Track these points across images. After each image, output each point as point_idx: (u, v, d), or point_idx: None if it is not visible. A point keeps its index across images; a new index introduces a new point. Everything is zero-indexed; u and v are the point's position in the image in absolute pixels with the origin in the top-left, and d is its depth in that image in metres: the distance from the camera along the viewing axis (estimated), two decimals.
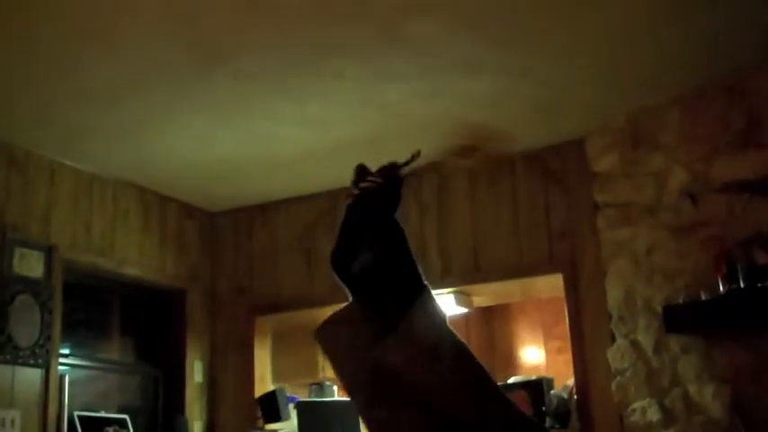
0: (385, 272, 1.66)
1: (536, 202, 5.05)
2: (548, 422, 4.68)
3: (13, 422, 4.34)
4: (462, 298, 5.39)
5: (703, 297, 4.20)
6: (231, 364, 5.73)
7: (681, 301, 4.29)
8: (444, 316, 1.68)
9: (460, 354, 1.62)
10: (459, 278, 5.18)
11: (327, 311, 5.70)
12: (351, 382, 1.69)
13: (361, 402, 1.65)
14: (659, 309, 4.36)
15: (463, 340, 1.65)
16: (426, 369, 1.59)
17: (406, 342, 1.59)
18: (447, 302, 5.35)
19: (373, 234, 1.71)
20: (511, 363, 7.47)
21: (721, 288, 4.15)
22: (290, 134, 4.74)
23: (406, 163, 1.77)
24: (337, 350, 1.74)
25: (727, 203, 4.31)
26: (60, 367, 4.71)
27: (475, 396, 1.60)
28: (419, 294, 1.64)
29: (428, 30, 3.71)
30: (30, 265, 4.60)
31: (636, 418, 4.41)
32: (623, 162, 4.68)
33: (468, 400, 1.60)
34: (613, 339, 4.57)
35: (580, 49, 3.97)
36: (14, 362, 4.40)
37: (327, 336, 1.78)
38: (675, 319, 4.25)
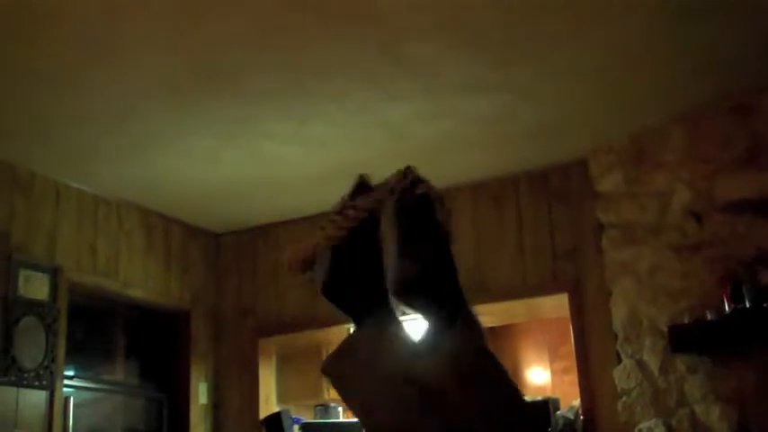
0: (431, 282, 1.58)
1: (540, 221, 5.05)
2: None
3: None
4: None
5: (709, 317, 4.18)
6: (236, 385, 5.72)
7: (686, 320, 4.28)
8: (484, 334, 1.64)
9: (501, 377, 1.57)
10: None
11: (331, 332, 5.72)
12: (371, 403, 1.63)
13: (380, 423, 1.61)
14: (665, 329, 4.34)
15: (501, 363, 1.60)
16: (467, 390, 1.54)
17: (450, 359, 1.53)
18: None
19: (414, 241, 1.60)
20: (516, 383, 7.42)
21: (727, 308, 4.13)
22: (294, 155, 4.75)
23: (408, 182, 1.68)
24: (353, 377, 1.68)
25: (731, 223, 4.31)
26: (65, 389, 4.71)
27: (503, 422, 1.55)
28: (456, 307, 1.59)
29: (431, 50, 3.72)
30: (35, 287, 4.60)
31: None
32: (627, 181, 4.68)
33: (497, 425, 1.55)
34: (619, 359, 4.55)
35: (583, 68, 3.98)
36: (19, 384, 4.39)
37: (337, 366, 1.73)
38: (681, 339, 4.24)
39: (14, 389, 4.38)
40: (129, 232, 5.36)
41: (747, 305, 4.06)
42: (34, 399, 4.48)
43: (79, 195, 5.04)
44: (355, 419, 5.62)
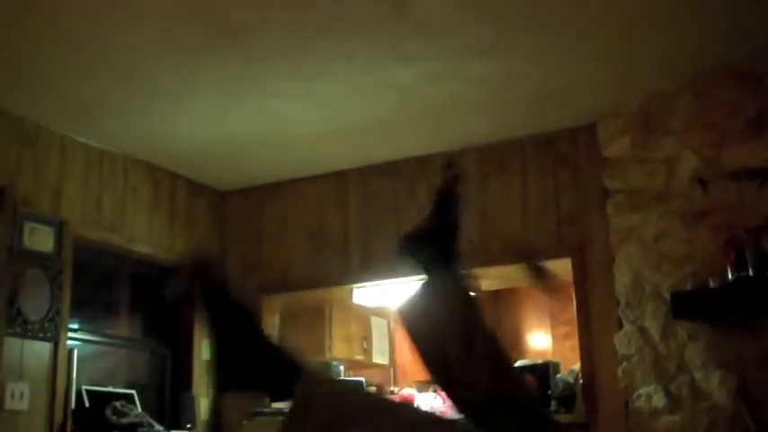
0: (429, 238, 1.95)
1: (545, 186, 5.04)
2: (553, 406, 4.69)
3: (21, 394, 4.37)
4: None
5: (711, 284, 4.19)
6: None
7: (689, 287, 4.29)
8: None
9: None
10: (467, 261, 5.16)
11: (335, 291, 5.76)
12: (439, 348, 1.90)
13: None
14: (667, 295, 4.35)
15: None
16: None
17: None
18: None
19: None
20: (517, 348, 7.46)
21: (730, 275, 4.14)
22: (301, 114, 4.74)
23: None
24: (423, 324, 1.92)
25: (738, 191, 4.30)
26: (69, 342, 4.74)
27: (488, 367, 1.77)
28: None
29: (441, 11, 3.70)
30: (40, 239, 4.62)
31: (641, 403, 4.41)
32: (634, 147, 4.67)
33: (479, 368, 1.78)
34: (621, 325, 4.57)
35: (593, 32, 3.95)
36: (24, 335, 4.42)
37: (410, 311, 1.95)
38: (683, 306, 4.25)
39: (19, 340, 4.41)
40: (134, 188, 5.36)
41: (750, 273, 4.06)
42: (39, 350, 4.51)
43: (85, 150, 5.04)
44: (358, 379, 5.68)
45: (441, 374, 1.88)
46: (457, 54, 4.11)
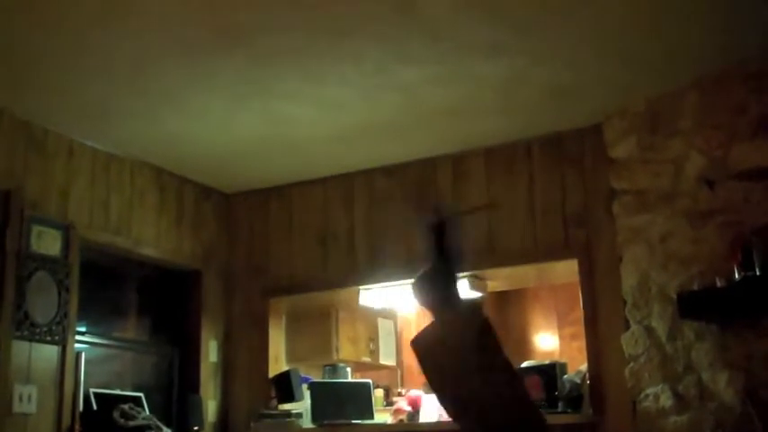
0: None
1: (552, 186, 5.04)
2: (560, 406, 4.68)
3: (29, 397, 4.38)
4: (476, 282, 5.39)
5: (718, 284, 4.17)
6: (246, 344, 5.76)
7: (696, 287, 4.28)
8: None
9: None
10: (474, 262, 5.17)
11: (341, 293, 5.78)
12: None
13: None
14: (674, 295, 4.34)
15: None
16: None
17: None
18: (461, 286, 5.35)
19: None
20: (524, 348, 7.46)
21: (737, 275, 4.13)
22: (308, 116, 4.75)
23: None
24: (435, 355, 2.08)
25: (745, 190, 4.29)
26: (77, 345, 4.75)
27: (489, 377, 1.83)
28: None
29: (447, 12, 3.70)
30: (47, 243, 4.63)
31: (648, 403, 4.41)
32: (641, 148, 4.66)
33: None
34: (627, 325, 4.56)
35: (599, 33, 3.95)
36: (31, 338, 4.43)
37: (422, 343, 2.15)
38: (690, 306, 4.24)
39: (27, 343, 4.42)
40: (141, 191, 5.38)
41: (758, 273, 4.05)
42: (46, 353, 4.52)
43: (92, 153, 5.05)
44: (363, 380, 5.68)
45: (454, 404, 1.96)
46: (463, 55, 4.11)
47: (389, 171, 5.54)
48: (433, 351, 1.92)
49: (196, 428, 5.21)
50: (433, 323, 1.99)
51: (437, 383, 1.93)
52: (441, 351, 1.92)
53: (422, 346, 1.93)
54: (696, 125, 4.49)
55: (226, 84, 4.35)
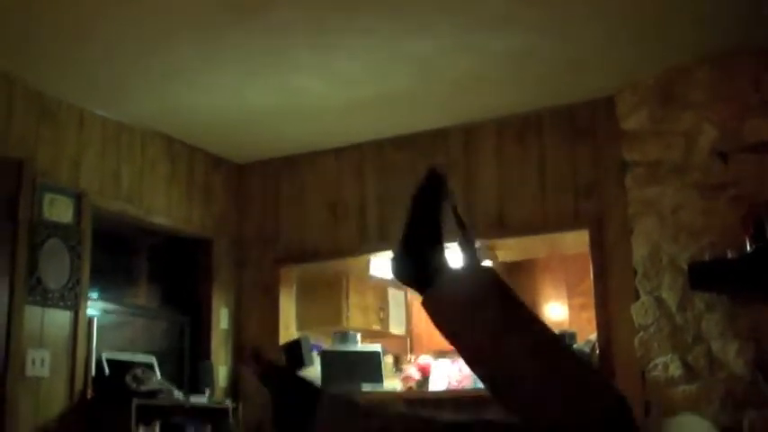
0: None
1: (563, 158, 5.04)
2: None
3: (42, 361, 4.44)
4: (487, 252, 5.41)
5: (730, 255, 4.18)
6: (256, 311, 5.80)
7: (707, 258, 4.28)
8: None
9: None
10: (485, 232, 5.19)
11: (351, 262, 5.79)
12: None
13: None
14: (685, 266, 4.35)
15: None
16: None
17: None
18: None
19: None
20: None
21: (748, 247, 4.13)
22: (319, 88, 4.74)
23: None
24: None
25: (757, 163, 4.28)
26: (89, 311, 4.79)
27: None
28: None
29: None
30: (59, 210, 4.66)
31: (658, 373, 4.43)
32: (653, 120, 4.65)
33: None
34: (637, 296, 4.58)
35: (610, 5, 3.93)
36: (44, 303, 4.48)
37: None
38: (701, 277, 4.25)
39: (40, 308, 4.46)
40: (152, 160, 5.39)
41: None
42: (59, 319, 4.57)
43: (103, 123, 5.06)
44: (373, 348, 5.71)
45: (484, 368, 1.74)
46: (474, 27, 4.10)
47: (400, 142, 5.54)
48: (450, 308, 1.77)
49: (208, 393, 5.26)
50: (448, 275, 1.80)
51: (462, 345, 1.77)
52: (459, 307, 1.77)
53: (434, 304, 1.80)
54: (708, 98, 4.47)
55: (237, 55, 4.34)
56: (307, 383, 1.89)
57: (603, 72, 4.62)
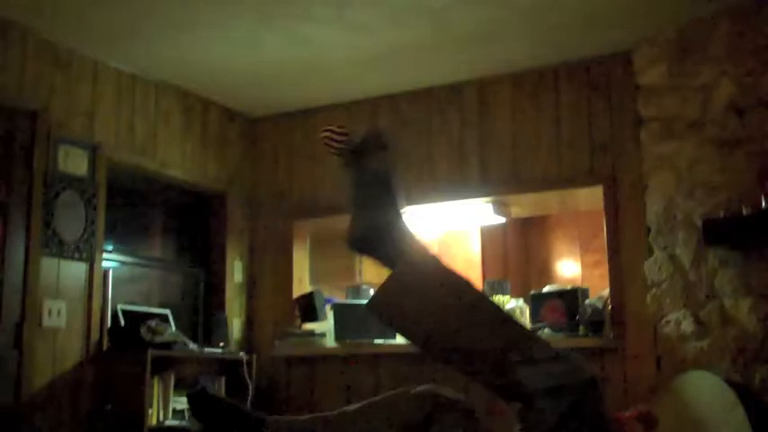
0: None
1: (578, 113, 5.01)
2: (581, 331, 4.72)
3: (59, 312, 4.48)
4: (500, 207, 5.40)
5: (745, 212, 4.16)
6: (270, 265, 5.83)
7: (722, 215, 4.26)
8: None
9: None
10: (498, 188, 5.18)
11: None
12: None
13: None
14: (699, 223, 4.34)
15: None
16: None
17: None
18: (485, 211, 5.37)
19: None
20: (546, 275, 7.51)
21: (764, 203, 4.11)
22: (333, 38, 4.71)
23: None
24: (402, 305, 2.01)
25: None
26: (104, 263, 4.83)
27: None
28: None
29: None
30: (74, 162, 4.68)
31: (670, 329, 4.44)
32: (670, 75, 4.60)
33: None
34: (651, 252, 4.57)
35: None
36: (60, 255, 4.51)
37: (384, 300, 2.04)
38: (715, 233, 4.24)
39: (56, 260, 4.50)
40: (166, 113, 5.39)
41: None
42: (75, 270, 4.60)
43: (117, 75, 5.06)
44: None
45: (440, 353, 1.90)
46: None
47: (414, 96, 5.51)
48: (402, 302, 1.87)
49: (222, 345, 5.31)
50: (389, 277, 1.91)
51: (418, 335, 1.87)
52: (410, 299, 1.86)
53: (382, 304, 1.88)
54: (727, 52, 4.42)
55: (250, 6, 4.31)
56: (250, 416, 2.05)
57: (621, 26, 4.57)
